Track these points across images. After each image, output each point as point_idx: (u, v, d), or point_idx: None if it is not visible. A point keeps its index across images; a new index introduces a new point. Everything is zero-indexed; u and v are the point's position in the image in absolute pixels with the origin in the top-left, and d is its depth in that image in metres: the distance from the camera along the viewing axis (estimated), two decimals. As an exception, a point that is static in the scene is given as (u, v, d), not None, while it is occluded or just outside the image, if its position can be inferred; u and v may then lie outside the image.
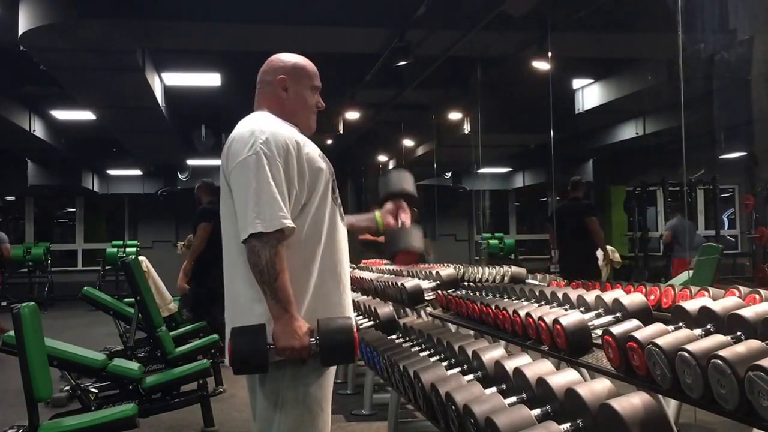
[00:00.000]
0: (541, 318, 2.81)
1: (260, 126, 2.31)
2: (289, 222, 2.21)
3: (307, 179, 2.32)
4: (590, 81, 11.16)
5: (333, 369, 2.42)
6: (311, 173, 2.34)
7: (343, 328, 2.28)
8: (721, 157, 12.87)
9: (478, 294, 3.95)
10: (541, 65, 8.25)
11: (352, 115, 11.42)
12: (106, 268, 16.15)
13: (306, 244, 2.32)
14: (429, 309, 4.59)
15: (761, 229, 11.86)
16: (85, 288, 6.98)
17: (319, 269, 2.35)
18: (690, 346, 1.97)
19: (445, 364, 3.08)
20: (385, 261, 8.43)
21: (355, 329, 2.30)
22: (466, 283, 4.67)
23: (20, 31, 6.91)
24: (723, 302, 2.27)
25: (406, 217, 2.76)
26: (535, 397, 2.34)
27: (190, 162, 15.61)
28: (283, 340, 2.19)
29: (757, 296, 2.57)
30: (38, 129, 12.02)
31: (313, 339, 2.23)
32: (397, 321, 4.36)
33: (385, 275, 5.87)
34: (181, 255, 8.37)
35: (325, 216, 2.38)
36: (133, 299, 6.45)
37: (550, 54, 7.92)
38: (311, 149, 2.39)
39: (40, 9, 6.83)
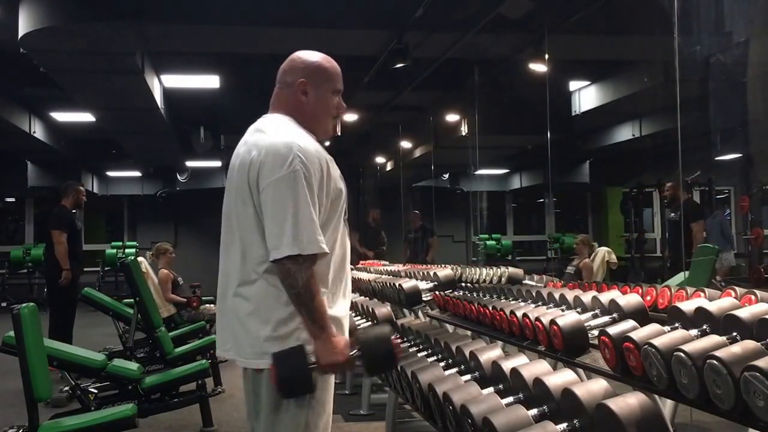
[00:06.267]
0: (538, 319, 2.83)
1: (296, 140, 2.28)
2: (325, 246, 2.23)
3: (331, 200, 2.33)
4: (587, 83, 11.19)
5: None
6: (334, 195, 2.34)
7: (380, 338, 2.31)
8: (717, 158, 12.90)
9: (475, 295, 3.97)
10: (538, 67, 8.28)
11: (351, 117, 11.43)
12: (106, 269, 16.16)
13: (322, 262, 2.32)
14: (427, 310, 4.62)
15: (757, 230, 11.89)
16: (85, 289, 7.00)
17: (330, 287, 2.36)
18: (686, 347, 1.98)
19: (442, 364, 3.10)
20: (383, 262, 8.48)
21: (393, 336, 2.31)
22: (463, 284, 4.69)
23: (20, 34, 6.92)
24: (719, 303, 2.29)
25: None
26: (532, 398, 2.35)
27: (189, 164, 15.60)
28: (325, 357, 2.22)
29: (753, 297, 2.60)
30: (38, 130, 12.02)
31: (353, 351, 2.27)
32: (395, 322, 4.38)
33: (383, 276, 5.90)
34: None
35: (338, 236, 2.39)
36: (132, 300, 6.47)
37: (546, 56, 7.94)
38: (335, 170, 2.38)
39: (40, 11, 6.84)
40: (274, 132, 2.34)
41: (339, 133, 2.53)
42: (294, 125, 2.39)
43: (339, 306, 2.39)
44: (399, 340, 2.34)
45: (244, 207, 2.32)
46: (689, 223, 7.93)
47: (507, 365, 2.59)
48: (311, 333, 2.23)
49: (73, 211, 7.89)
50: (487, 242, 16.66)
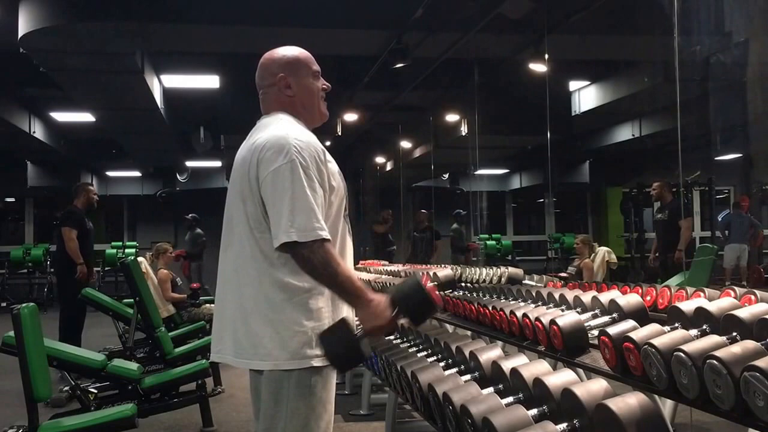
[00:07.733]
0: (537, 319, 2.83)
1: (291, 132, 2.30)
2: (324, 233, 2.21)
3: (327, 191, 2.33)
4: (587, 83, 11.20)
5: (335, 370, 2.43)
6: (330, 190, 2.34)
7: (414, 288, 2.31)
8: (716, 158, 12.92)
9: (475, 295, 3.97)
10: (538, 67, 8.28)
11: (351, 117, 11.45)
12: (106, 269, 16.17)
13: None
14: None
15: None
16: (85, 289, 6.99)
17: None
18: (686, 347, 1.98)
19: (442, 364, 3.09)
20: (382, 262, 8.48)
21: (425, 281, 2.29)
22: (463, 284, 4.69)
23: (20, 34, 6.93)
24: (718, 303, 2.28)
25: None
26: (532, 398, 2.34)
27: (189, 163, 15.63)
28: (369, 323, 2.25)
29: (753, 297, 2.59)
30: (38, 131, 12.04)
31: (394, 311, 2.27)
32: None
33: (383, 276, 5.90)
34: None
35: (338, 230, 2.39)
36: (132, 300, 6.47)
37: (546, 56, 7.95)
38: (333, 165, 2.40)
39: (40, 11, 6.85)
40: (272, 128, 2.36)
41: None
42: (291, 120, 2.42)
43: (340, 306, 2.38)
44: (431, 283, 2.32)
45: (243, 205, 2.33)
46: (677, 222, 7.95)
47: (507, 365, 2.58)
48: (351, 305, 2.28)
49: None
50: (487, 242, 16.66)
